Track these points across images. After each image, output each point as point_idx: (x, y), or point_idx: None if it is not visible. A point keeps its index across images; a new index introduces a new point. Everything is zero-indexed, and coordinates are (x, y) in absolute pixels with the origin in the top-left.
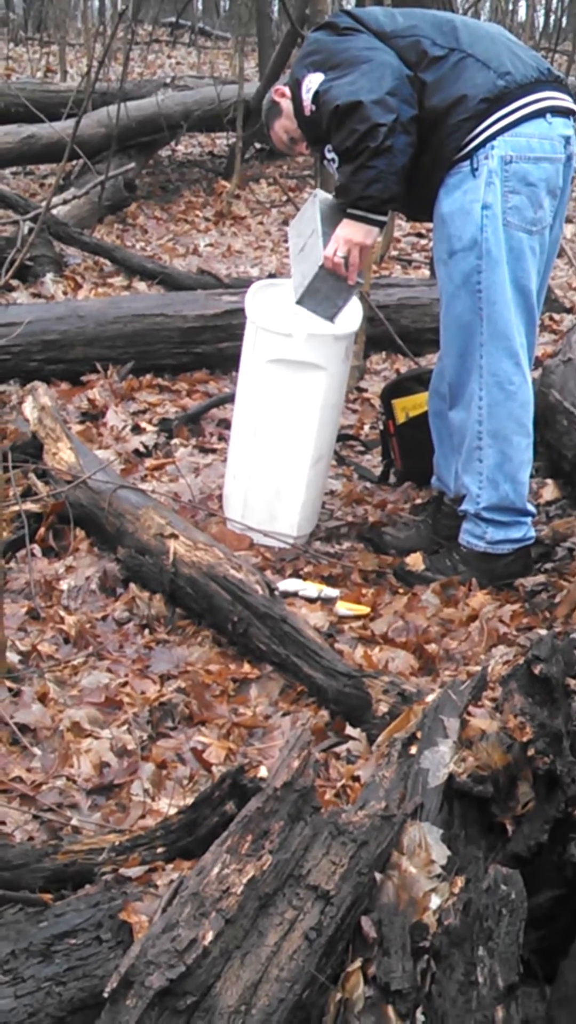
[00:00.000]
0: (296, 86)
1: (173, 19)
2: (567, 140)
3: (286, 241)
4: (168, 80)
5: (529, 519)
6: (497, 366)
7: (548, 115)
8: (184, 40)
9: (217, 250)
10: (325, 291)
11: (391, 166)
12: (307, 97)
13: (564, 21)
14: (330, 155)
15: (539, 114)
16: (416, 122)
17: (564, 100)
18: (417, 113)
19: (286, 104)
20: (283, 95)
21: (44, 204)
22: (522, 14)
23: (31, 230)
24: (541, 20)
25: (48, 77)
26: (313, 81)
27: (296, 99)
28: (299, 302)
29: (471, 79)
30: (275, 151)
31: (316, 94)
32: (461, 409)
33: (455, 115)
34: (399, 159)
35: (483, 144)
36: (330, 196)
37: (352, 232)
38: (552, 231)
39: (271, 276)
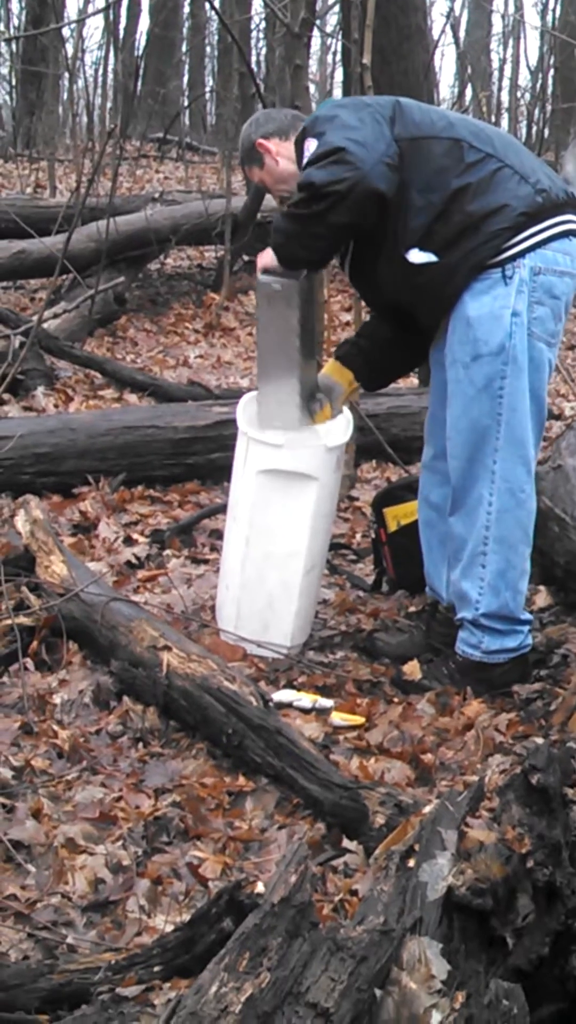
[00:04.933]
0: (300, 145)
1: (161, 134)
2: None
3: None
4: (156, 195)
5: (526, 628)
6: (511, 472)
7: (571, 236)
8: (172, 155)
9: (207, 361)
10: (271, 404)
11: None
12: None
13: (546, 132)
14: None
15: (565, 234)
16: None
17: None
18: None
19: (270, 163)
20: (268, 152)
21: (35, 318)
22: (505, 125)
23: (22, 344)
24: (524, 131)
25: (38, 193)
26: (309, 148)
27: (299, 156)
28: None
29: (512, 190)
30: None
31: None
32: (464, 515)
33: (493, 223)
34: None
35: (518, 254)
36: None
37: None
38: None
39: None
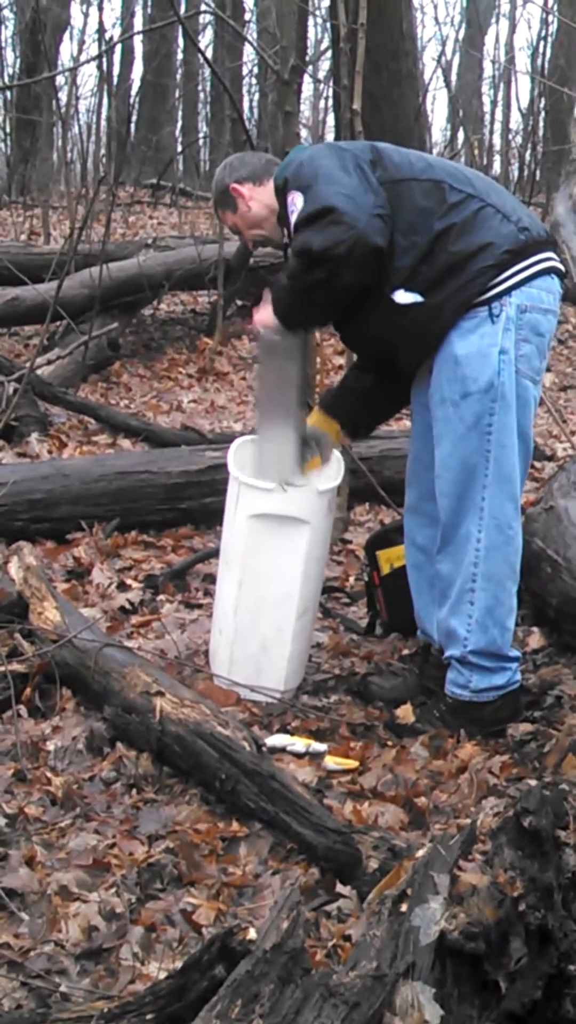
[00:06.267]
0: (283, 195)
1: (154, 181)
2: (560, 297)
3: None
4: (150, 241)
5: (514, 664)
6: (499, 509)
7: (552, 274)
8: (165, 201)
9: (200, 406)
10: (270, 455)
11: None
12: (291, 218)
13: (538, 174)
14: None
15: (547, 272)
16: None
17: (558, 262)
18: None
19: (243, 208)
20: (241, 196)
21: (28, 365)
22: (497, 167)
23: (16, 390)
24: (515, 173)
25: (32, 240)
26: (296, 203)
27: (282, 207)
28: (260, 476)
29: (495, 228)
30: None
31: (296, 226)
32: (452, 552)
33: (479, 261)
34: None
35: (504, 292)
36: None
37: (264, 314)
38: None
39: (253, 431)
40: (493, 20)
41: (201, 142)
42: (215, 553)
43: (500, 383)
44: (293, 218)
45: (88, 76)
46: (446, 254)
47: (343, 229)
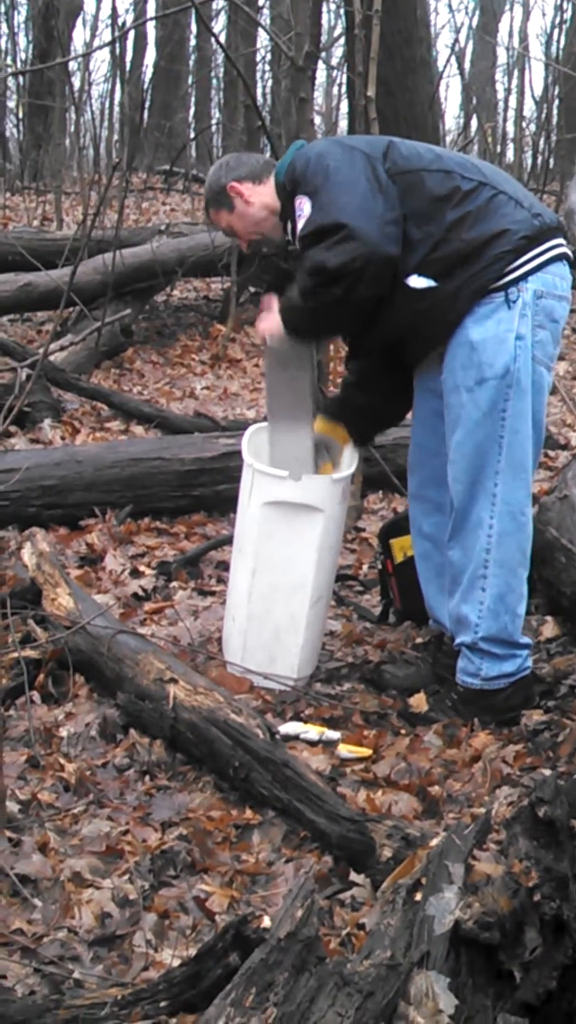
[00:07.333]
0: (289, 198)
1: (167, 167)
2: (572, 284)
3: None
4: (163, 227)
5: (524, 652)
6: (512, 495)
7: (564, 260)
8: (178, 187)
9: (213, 393)
10: (284, 451)
11: (338, 318)
12: (298, 223)
13: (551, 162)
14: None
15: (559, 258)
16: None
17: (568, 249)
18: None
19: (242, 207)
20: (241, 195)
21: (41, 351)
22: (510, 155)
23: (29, 377)
24: (529, 161)
25: (45, 226)
26: (304, 208)
27: (290, 212)
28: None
29: (510, 215)
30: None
31: (304, 237)
32: (463, 539)
33: (495, 247)
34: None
35: (520, 278)
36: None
37: (271, 325)
38: None
39: (266, 420)
40: (507, 7)
41: (214, 128)
42: (228, 540)
43: (516, 369)
44: (300, 223)
45: (101, 62)
46: (460, 242)
47: (357, 244)
